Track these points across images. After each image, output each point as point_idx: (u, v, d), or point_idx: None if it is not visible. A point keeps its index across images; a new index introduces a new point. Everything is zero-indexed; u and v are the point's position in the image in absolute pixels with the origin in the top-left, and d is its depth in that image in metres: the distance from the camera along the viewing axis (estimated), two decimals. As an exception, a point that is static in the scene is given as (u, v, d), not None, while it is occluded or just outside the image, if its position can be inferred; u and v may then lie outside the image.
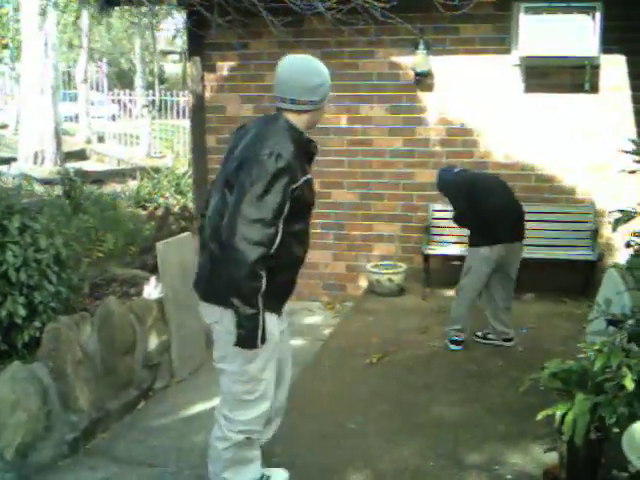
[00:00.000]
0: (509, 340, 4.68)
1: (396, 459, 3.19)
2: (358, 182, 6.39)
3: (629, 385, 2.36)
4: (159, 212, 8.54)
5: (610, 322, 2.97)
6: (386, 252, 6.40)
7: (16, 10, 14.57)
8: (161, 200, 9.67)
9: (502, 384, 4.03)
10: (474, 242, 4.53)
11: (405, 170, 6.27)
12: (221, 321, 2.47)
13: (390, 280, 6.00)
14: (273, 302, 2.50)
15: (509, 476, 3.02)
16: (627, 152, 3.28)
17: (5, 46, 15.83)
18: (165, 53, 28.64)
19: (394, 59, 6.16)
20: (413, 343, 4.80)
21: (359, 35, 6.06)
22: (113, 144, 16.81)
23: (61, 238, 4.11)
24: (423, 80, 6.08)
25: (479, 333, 4.80)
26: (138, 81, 17.96)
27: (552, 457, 2.86)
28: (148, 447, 3.50)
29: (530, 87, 5.92)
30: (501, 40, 5.89)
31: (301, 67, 2.49)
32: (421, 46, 5.88)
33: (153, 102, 18.03)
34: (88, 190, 8.70)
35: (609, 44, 5.48)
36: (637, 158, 3.24)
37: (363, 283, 6.41)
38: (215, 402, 3.31)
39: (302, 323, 5.77)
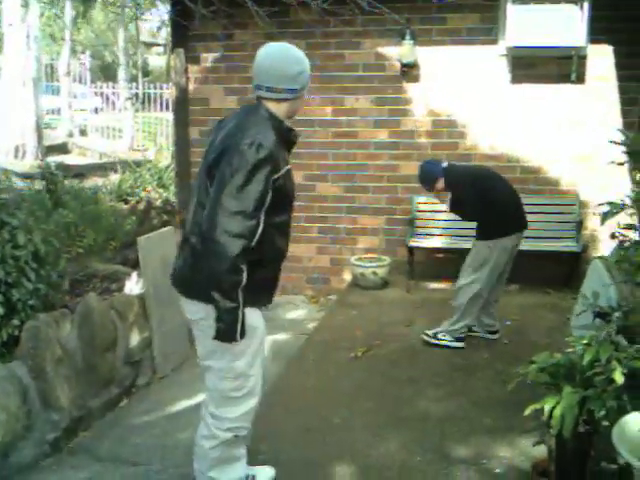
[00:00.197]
0: (494, 333, 4.65)
1: (382, 454, 3.15)
2: (342, 175, 6.35)
3: (619, 379, 2.33)
4: (141, 206, 8.43)
5: (598, 314, 2.94)
6: (370, 245, 6.36)
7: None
8: (143, 194, 9.58)
9: (488, 377, 4.00)
10: (489, 234, 4.34)
11: (390, 162, 6.23)
12: (207, 317, 2.41)
13: (374, 273, 5.97)
14: (257, 296, 2.45)
15: (498, 470, 2.99)
16: (616, 143, 3.24)
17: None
18: (149, 45, 28.46)
19: (380, 50, 6.11)
20: (398, 336, 4.76)
21: (345, 26, 6.00)
22: (95, 137, 16.67)
23: (40, 234, 4.01)
24: (409, 71, 6.04)
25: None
26: (121, 74, 17.79)
27: (541, 450, 2.83)
28: (131, 445, 3.45)
29: (517, 78, 5.90)
30: (488, 30, 5.86)
31: (280, 55, 2.44)
32: (407, 37, 5.83)
33: (136, 95, 17.89)
34: (69, 184, 8.58)
35: (596, 34, 5.46)
36: (625, 149, 3.20)
37: (347, 276, 6.37)
38: (199, 398, 3.28)
39: (286, 317, 5.75)
